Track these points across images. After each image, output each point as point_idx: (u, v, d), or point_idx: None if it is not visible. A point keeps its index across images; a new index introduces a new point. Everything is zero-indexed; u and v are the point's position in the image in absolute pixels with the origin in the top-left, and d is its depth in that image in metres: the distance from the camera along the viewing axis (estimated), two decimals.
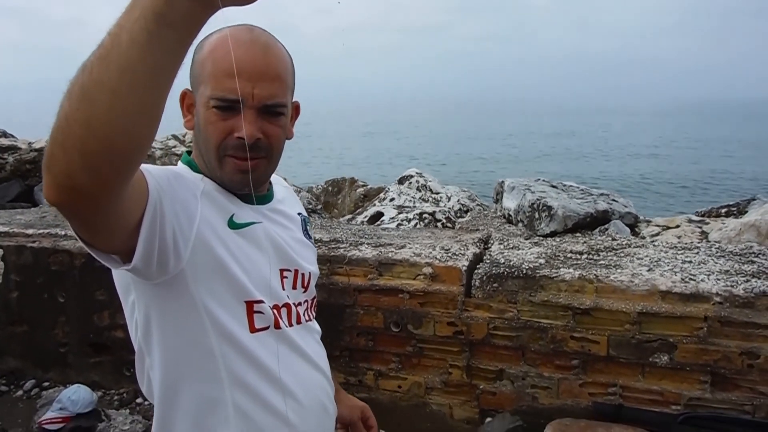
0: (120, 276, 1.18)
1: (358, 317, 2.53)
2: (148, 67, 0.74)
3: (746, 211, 3.44)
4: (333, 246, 2.68)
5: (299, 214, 1.45)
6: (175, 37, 0.75)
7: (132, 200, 0.91)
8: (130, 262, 0.97)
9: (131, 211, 0.92)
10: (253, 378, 1.17)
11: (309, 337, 1.32)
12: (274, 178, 1.38)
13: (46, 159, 0.78)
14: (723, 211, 3.58)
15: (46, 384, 3.07)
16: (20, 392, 3.04)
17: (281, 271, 1.28)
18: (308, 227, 1.47)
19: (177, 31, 0.74)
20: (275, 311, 1.22)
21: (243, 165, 1.16)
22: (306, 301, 1.36)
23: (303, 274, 1.34)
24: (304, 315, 1.32)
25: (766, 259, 2.41)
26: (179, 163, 1.30)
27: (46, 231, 3.08)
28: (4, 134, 5.43)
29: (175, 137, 5.48)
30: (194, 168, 1.24)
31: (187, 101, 1.22)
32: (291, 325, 1.26)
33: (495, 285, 2.36)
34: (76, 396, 2.66)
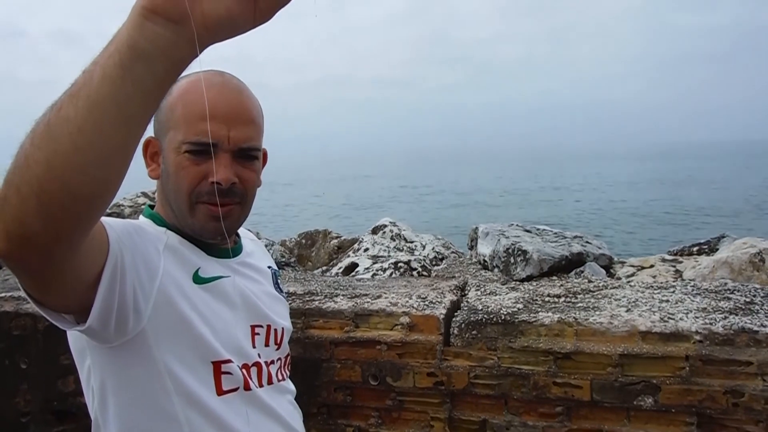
0: (75, 339, 1.10)
1: (335, 371, 2.45)
2: (118, 105, 0.70)
3: (717, 249, 3.48)
4: (308, 299, 2.62)
5: (269, 267, 1.39)
6: (149, 74, 0.70)
7: (90, 254, 0.85)
8: (84, 322, 0.91)
9: (88, 266, 0.86)
10: None
11: (281, 398, 1.24)
12: (242, 231, 1.33)
13: None
14: (695, 249, 3.61)
15: None
16: None
17: (252, 327, 1.21)
18: (279, 280, 1.41)
19: (152, 67, 0.70)
20: (245, 371, 1.14)
21: (216, 211, 1.11)
22: (279, 359, 1.29)
23: (276, 330, 1.27)
24: (276, 374, 1.25)
25: (741, 296, 2.41)
26: (140, 216, 1.24)
27: (8, 294, 2.96)
28: None
29: (144, 194, 5.40)
30: (157, 221, 1.19)
31: (151, 149, 1.17)
32: (262, 385, 1.18)
33: (474, 332, 2.31)
34: None
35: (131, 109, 0.71)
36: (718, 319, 2.16)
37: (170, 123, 1.12)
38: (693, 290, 2.54)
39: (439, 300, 2.50)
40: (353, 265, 3.53)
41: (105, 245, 0.90)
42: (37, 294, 0.86)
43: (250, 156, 1.15)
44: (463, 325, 2.33)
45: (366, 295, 2.61)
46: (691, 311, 2.25)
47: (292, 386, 1.33)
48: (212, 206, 1.11)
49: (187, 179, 1.10)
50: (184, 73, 1.11)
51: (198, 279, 1.13)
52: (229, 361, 1.12)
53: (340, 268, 3.57)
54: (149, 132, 1.18)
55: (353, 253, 3.79)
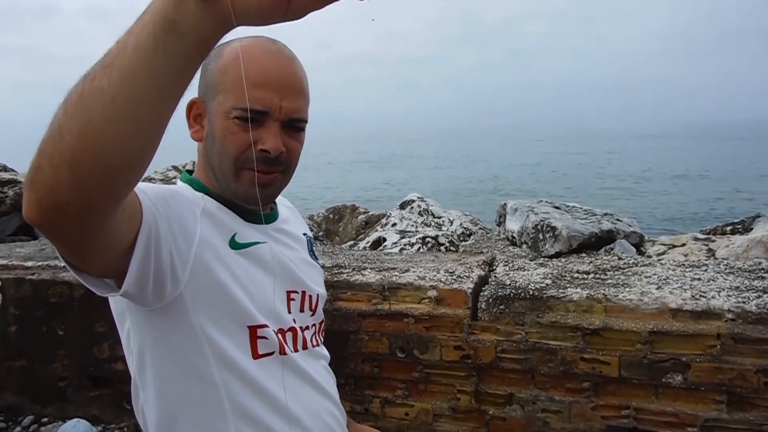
0: (116, 302, 1.13)
1: (362, 343, 2.48)
2: (150, 76, 0.70)
3: (751, 228, 3.41)
4: (336, 271, 2.64)
5: (304, 234, 1.40)
6: (182, 48, 0.70)
7: (123, 223, 0.86)
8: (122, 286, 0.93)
9: (122, 234, 0.87)
10: (258, 407, 1.10)
11: (316, 363, 1.26)
12: (279, 198, 1.34)
13: (30, 173, 0.72)
14: (728, 228, 3.55)
15: (45, 420, 3.01)
16: (18, 429, 2.97)
17: (288, 293, 1.22)
18: (314, 248, 1.42)
19: (185, 41, 0.70)
20: (280, 336, 1.16)
21: (262, 178, 1.12)
22: (314, 325, 1.30)
23: (311, 296, 1.28)
24: (311, 340, 1.26)
25: None
26: (178, 181, 1.25)
27: (45, 263, 3.05)
28: (5, 168, 5.44)
29: (175, 168, 5.48)
30: (196, 186, 1.20)
31: (195, 111, 1.17)
32: (297, 350, 1.20)
33: (501, 307, 2.31)
34: (75, 431, 2.60)
35: (163, 81, 0.71)
36: (751, 298, 2.12)
37: (220, 86, 1.12)
38: (726, 269, 2.50)
39: (467, 274, 2.50)
40: (381, 240, 3.55)
41: (138, 213, 0.91)
42: (74, 261, 0.86)
43: (298, 127, 1.16)
44: (490, 299, 2.34)
45: (394, 268, 2.62)
46: (723, 290, 2.22)
47: (326, 352, 1.34)
48: (258, 173, 1.12)
49: (235, 145, 1.10)
50: (236, 36, 1.12)
51: (234, 244, 1.13)
52: (264, 325, 1.12)
53: (368, 243, 3.59)
54: (194, 93, 1.18)
55: (381, 227, 3.80)
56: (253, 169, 1.11)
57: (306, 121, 1.17)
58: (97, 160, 0.71)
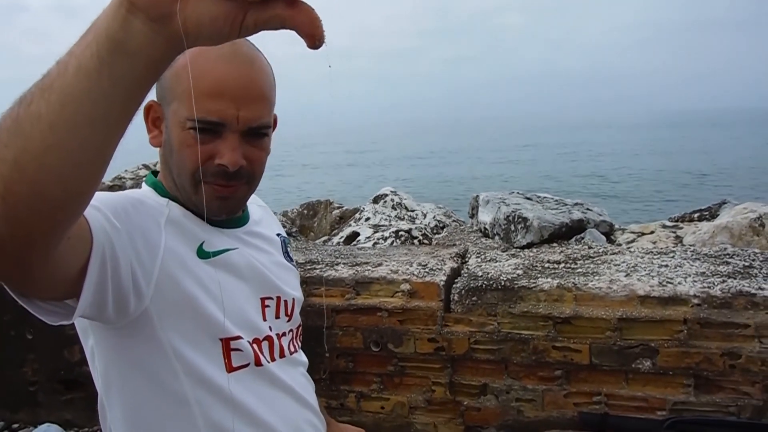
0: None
1: (337, 338, 2.48)
2: (94, 100, 0.63)
3: (718, 215, 3.48)
4: (309, 267, 2.64)
5: (278, 235, 1.32)
6: (129, 70, 0.64)
7: (69, 251, 0.79)
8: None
9: (70, 261, 0.81)
10: (235, 423, 1.05)
11: (294, 371, 1.21)
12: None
13: None
14: (695, 215, 3.61)
15: (16, 426, 2.96)
16: None
17: (262, 299, 1.16)
18: (289, 249, 1.37)
19: (132, 63, 0.63)
20: (255, 346, 1.10)
21: (222, 191, 1.07)
22: (290, 330, 1.23)
23: (286, 301, 1.22)
24: (288, 347, 1.20)
25: (740, 260, 2.42)
26: (143, 185, 1.20)
27: None
28: None
29: (146, 166, 5.39)
30: (159, 191, 1.13)
31: (153, 114, 1.10)
32: (274, 359, 1.15)
33: (474, 298, 2.33)
34: None
35: (108, 106, 0.64)
36: (716, 283, 2.17)
37: (174, 93, 1.06)
38: (692, 255, 2.55)
39: (439, 267, 2.52)
40: (354, 235, 3.55)
41: (87, 236, 0.83)
42: (20, 290, 0.80)
43: (260, 134, 1.08)
44: (463, 291, 2.35)
45: (367, 263, 2.63)
46: (689, 275, 2.26)
47: (304, 358, 1.28)
48: (218, 186, 1.06)
49: (192, 159, 1.03)
50: None
51: (202, 254, 1.08)
52: (238, 337, 1.08)
53: (341, 238, 3.59)
54: (151, 95, 1.12)
55: (354, 222, 3.80)
56: (212, 183, 1.05)
57: (269, 126, 1.10)
58: (33, 192, 0.64)
